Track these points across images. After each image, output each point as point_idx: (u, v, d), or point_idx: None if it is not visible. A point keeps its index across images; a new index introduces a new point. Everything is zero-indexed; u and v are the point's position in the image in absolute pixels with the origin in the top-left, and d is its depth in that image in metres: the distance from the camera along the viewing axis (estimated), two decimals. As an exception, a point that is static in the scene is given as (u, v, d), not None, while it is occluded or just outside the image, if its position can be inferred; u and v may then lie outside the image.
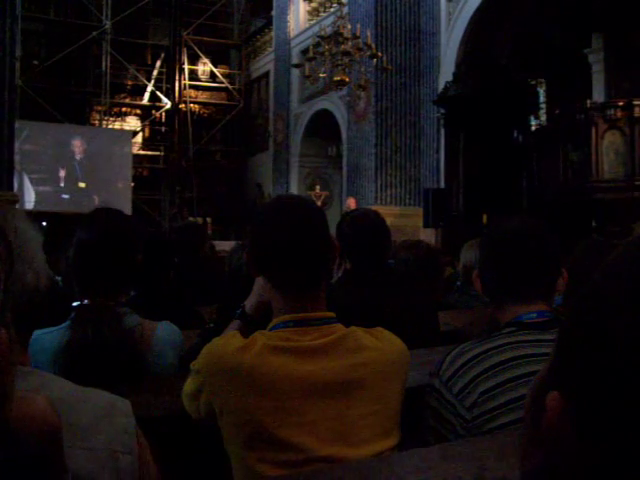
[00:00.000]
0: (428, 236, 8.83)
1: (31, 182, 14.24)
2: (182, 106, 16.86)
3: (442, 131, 9.99)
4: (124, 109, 16.79)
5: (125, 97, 16.70)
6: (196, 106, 17.42)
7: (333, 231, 1.76)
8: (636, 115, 7.29)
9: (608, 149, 7.43)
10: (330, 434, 1.13)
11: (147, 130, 17.00)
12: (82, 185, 14.75)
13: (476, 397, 1.23)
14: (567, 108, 9.50)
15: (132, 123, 16.79)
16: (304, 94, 14.84)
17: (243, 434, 1.12)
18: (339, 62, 8.62)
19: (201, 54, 17.17)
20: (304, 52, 13.20)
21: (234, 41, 17.84)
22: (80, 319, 1.55)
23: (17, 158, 10.93)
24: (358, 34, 8.65)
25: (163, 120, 17.00)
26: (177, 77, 16.82)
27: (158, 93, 16.65)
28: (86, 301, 1.59)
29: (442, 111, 9.74)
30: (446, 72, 9.88)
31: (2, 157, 7.17)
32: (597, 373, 0.36)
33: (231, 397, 1.13)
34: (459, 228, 8.50)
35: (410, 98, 10.77)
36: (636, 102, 7.31)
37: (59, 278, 2.53)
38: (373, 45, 8.73)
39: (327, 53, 8.63)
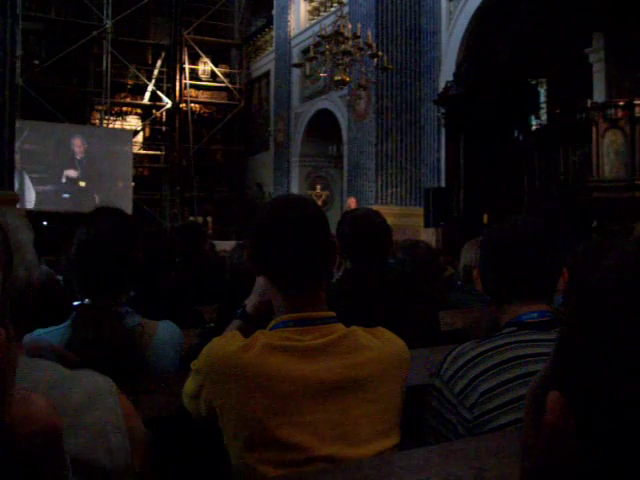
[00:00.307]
0: (429, 236, 8.83)
1: (32, 182, 14.25)
2: (183, 105, 16.86)
3: (443, 131, 9.99)
4: (125, 108, 16.79)
5: (126, 96, 16.69)
6: (197, 105, 17.42)
7: (333, 231, 1.76)
8: (637, 115, 7.29)
9: (609, 149, 7.43)
10: (330, 434, 1.13)
11: (148, 129, 17.00)
12: (83, 184, 14.75)
13: (477, 397, 1.23)
14: (568, 107, 9.49)
15: (133, 122, 16.78)
16: (305, 94, 14.84)
17: (243, 434, 1.12)
18: (340, 62, 8.62)
19: (202, 53, 17.18)
20: (305, 52, 13.20)
21: (235, 40, 17.84)
22: (81, 318, 1.55)
23: (17, 157, 10.95)
24: (359, 34, 8.65)
25: (164, 119, 17.00)
26: (178, 76, 16.82)
27: (159, 92, 16.65)
28: (87, 300, 1.59)
29: (443, 111, 9.74)
30: (447, 71, 9.88)
31: (3, 157, 7.18)
32: (597, 372, 0.36)
33: (231, 396, 1.13)
34: (460, 228, 8.50)
35: (411, 98, 10.77)
36: (637, 102, 7.31)
37: (60, 277, 2.54)
38: (374, 45, 8.72)
39: (328, 53, 8.63)
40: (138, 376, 1.52)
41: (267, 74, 16.98)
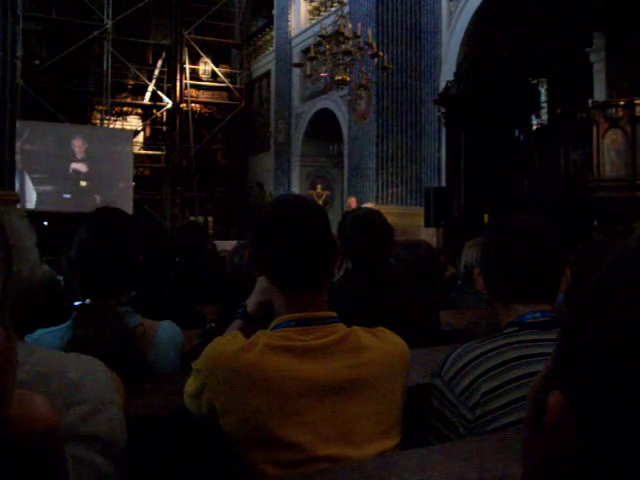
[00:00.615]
0: (429, 235, 8.82)
1: (32, 182, 14.26)
2: (183, 105, 16.87)
3: (443, 130, 9.99)
4: (125, 109, 16.79)
5: (126, 97, 16.70)
6: (197, 105, 17.43)
7: (334, 230, 1.76)
8: (637, 114, 7.29)
9: (609, 148, 7.43)
10: (331, 434, 1.13)
11: (148, 130, 17.01)
12: (83, 184, 14.76)
13: (478, 398, 1.23)
14: (568, 107, 9.50)
15: (133, 123, 16.79)
16: (305, 93, 14.84)
17: (244, 433, 1.12)
18: (340, 61, 8.62)
19: (202, 53, 17.18)
20: (305, 51, 13.20)
21: (235, 40, 17.85)
22: (82, 319, 1.55)
23: (18, 158, 10.94)
24: (359, 33, 8.65)
25: (164, 119, 17.01)
26: (178, 76, 16.82)
27: (159, 93, 16.66)
28: (88, 301, 1.59)
29: (443, 110, 9.74)
30: (447, 71, 9.87)
31: (3, 157, 7.18)
32: (599, 372, 0.35)
33: (232, 396, 1.13)
34: (460, 227, 8.50)
35: (411, 97, 10.77)
36: (637, 101, 7.32)
37: (61, 278, 2.54)
38: (374, 44, 8.72)
39: (328, 52, 8.63)
40: (139, 376, 1.52)
41: (268, 74, 16.99)
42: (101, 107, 15.72)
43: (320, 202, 11.36)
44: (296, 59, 14.22)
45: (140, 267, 1.69)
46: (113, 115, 16.21)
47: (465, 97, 9.05)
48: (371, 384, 1.18)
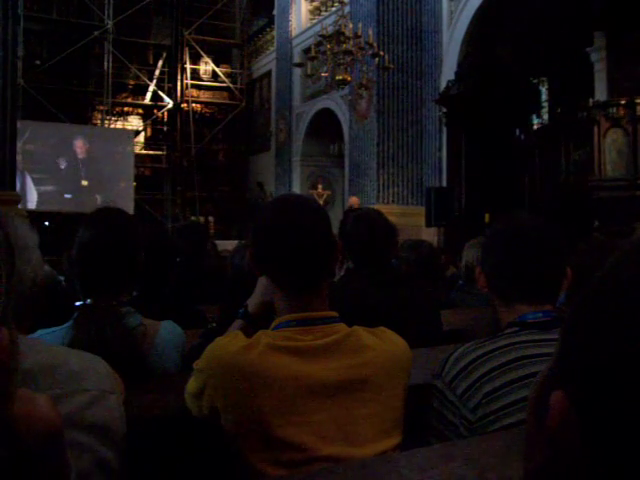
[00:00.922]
0: (430, 235, 8.82)
1: (33, 182, 14.26)
2: (184, 105, 16.87)
3: (444, 130, 9.99)
4: (126, 109, 16.79)
5: (127, 97, 16.71)
6: (198, 105, 17.43)
7: (335, 230, 1.76)
8: (638, 113, 7.29)
9: (610, 147, 7.43)
10: (332, 434, 1.13)
11: (149, 130, 17.01)
12: (84, 184, 14.77)
13: (480, 398, 1.23)
14: (569, 107, 9.49)
15: (134, 123, 16.79)
16: (306, 93, 14.85)
17: (245, 433, 1.12)
18: (341, 61, 8.62)
19: (203, 53, 17.19)
20: (306, 51, 13.20)
21: (236, 40, 17.85)
22: (83, 319, 1.55)
23: (19, 158, 10.95)
24: (360, 33, 8.65)
25: (165, 119, 17.01)
26: (179, 76, 16.83)
27: (160, 93, 16.66)
28: (89, 301, 1.59)
29: (444, 110, 9.74)
30: (448, 71, 9.87)
31: (4, 157, 7.18)
32: (600, 372, 0.35)
33: (234, 396, 1.13)
34: (461, 227, 8.50)
35: (412, 97, 10.77)
36: (638, 100, 7.32)
37: (62, 278, 2.54)
38: (375, 44, 8.72)
39: (329, 52, 8.63)
40: (140, 376, 1.52)
41: (268, 74, 16.99)
42: (102, 107, 15.72)
43: (321, 202, 11.35)
44: (297, 59, 14.22)
45: (141, 267, 1.69)
46: (114, 115, 16.21)
47: (466, 97, 9.05)
48: (372, 384, 1.17)
